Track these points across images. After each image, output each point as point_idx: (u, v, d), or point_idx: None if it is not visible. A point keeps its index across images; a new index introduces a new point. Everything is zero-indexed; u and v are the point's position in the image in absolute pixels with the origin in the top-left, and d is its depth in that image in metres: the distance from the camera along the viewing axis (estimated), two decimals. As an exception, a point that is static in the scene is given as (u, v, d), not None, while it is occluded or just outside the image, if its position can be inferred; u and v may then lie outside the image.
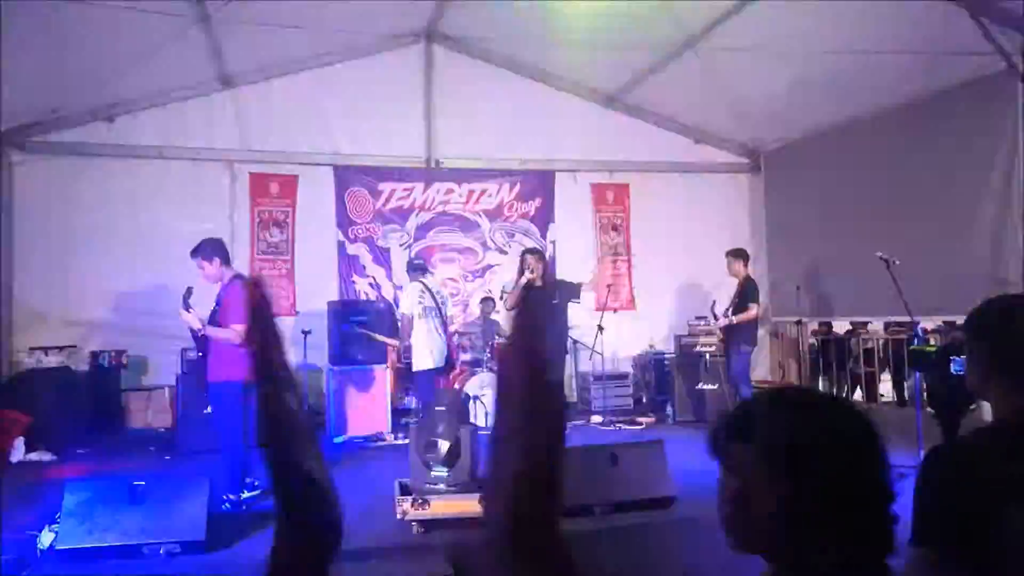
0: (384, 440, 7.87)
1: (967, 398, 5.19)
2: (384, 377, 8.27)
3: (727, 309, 8.07)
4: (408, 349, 7.72)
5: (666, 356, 9.70)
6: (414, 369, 7.46)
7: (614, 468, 5.13)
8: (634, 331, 10.18)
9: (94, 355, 8.29)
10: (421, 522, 4.64)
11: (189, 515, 4.42)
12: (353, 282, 9.64)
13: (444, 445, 4.70)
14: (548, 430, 0.89)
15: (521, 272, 6.65)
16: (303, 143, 9.46)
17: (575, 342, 9.32)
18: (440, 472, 4.71)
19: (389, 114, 9.69)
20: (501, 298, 8.80)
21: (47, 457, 7.09)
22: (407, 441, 7.47)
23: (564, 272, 9.47)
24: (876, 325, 10.93)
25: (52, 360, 7.94)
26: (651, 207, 10.51)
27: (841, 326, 11.37)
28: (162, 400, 8.46)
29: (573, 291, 6.81)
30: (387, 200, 9.84)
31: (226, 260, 5.50)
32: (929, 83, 7.76)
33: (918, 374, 6.21)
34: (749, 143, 10.68)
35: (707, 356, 8.66)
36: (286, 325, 9.05)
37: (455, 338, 8.87)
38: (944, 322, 8.62)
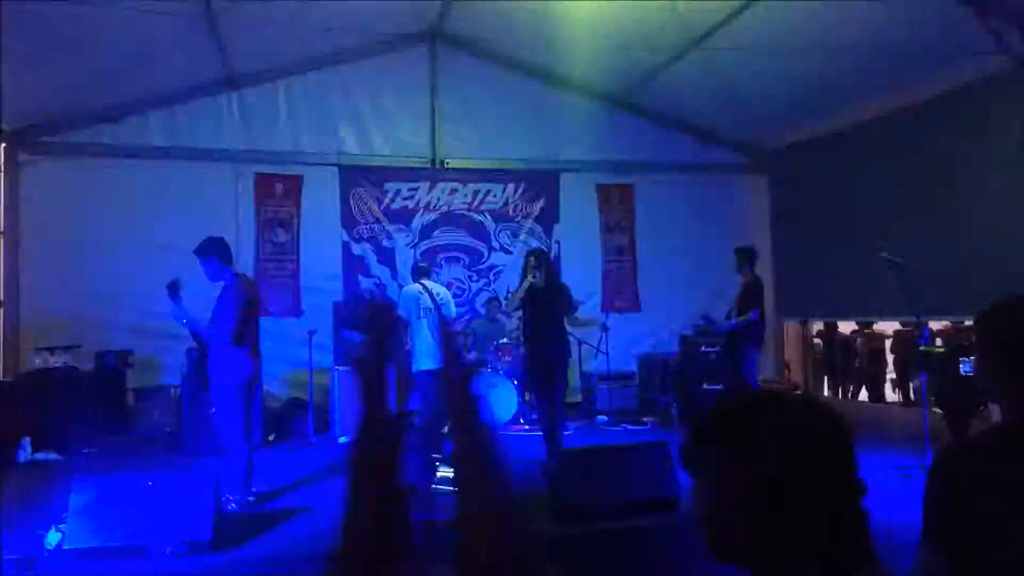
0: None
1: (976, 399, 5.18)
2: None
3: (730, 311, 8.05)
4: (409, 351, 7.72)
5: (671, 356, 9.69)
6: (413, 369, 7.46)
7: (618, 469, 5.12)
8: (639, 331, 10.17)
9: (100, 355, 8.30)
10: (427, 523, 4.63)
11: (195, 515, 4.42)
12: (358, 283, 9.65)
13: (449, 445, 4.69)
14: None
15: (525, 273, 6.63)
16: (308, 144, 9.48)
17: (580, 342, 9.31)
18: (446, 473, 4.71)
19: (394, 114, 9.71)
20: (506, 297, 8.80)
21: (53, 457, 7.09)
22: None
23: (569, 274, 9.47)
24: (881, 326, 10.93)
25: (58, 360, 7.95)
26: (656, 207, 10.50)
27: (846, 327, 11.37)
28: (168, 400, 8.46)
29: (571, 305, 6.80)
30: (392, 200, 9.84)
31: (224, 260, 5.47)
32: (935, 83, 7.75)
33: (924, 375, 6.19)
34: (754, 143, 10.67)
35: (712, 356, 8.63)
36: (291, 326, 9.10)
37: (459, 338, 8.86)
38: (951, 323, 8.61)
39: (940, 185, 7.88)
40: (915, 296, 6.06)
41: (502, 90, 9.85)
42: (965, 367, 5.12)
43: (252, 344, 5.38)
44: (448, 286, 9.65)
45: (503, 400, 8.32)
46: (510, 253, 10.05)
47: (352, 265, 9.65)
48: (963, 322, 8.28)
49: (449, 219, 10.03)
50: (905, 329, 10.23)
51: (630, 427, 8.66)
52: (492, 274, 10.11)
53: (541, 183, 10.27)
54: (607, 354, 9.16)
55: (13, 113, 8.20)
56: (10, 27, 6.35)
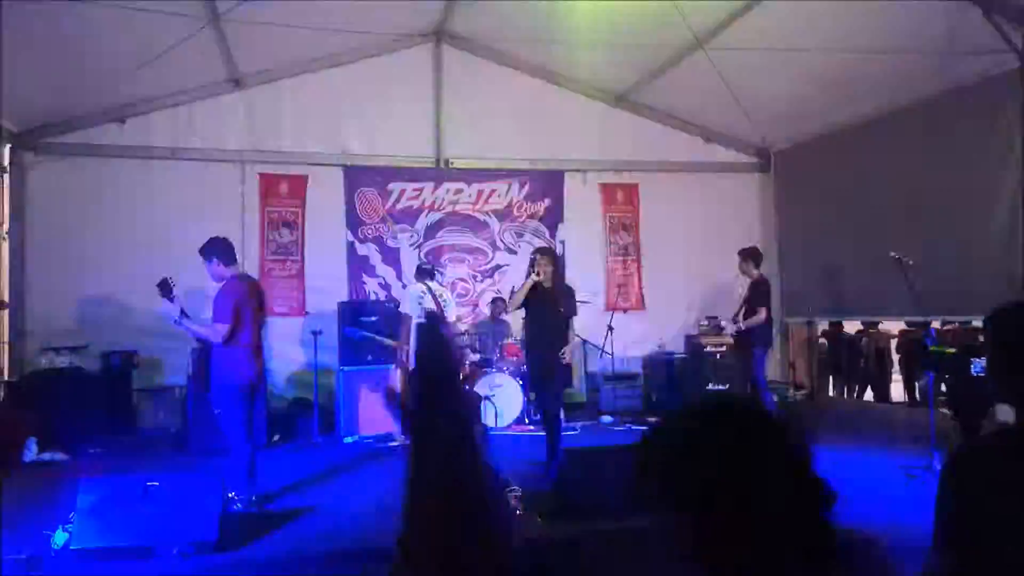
0: (396, 440, 7.88)
1: (988, 399, 5.16)
2: (395, 377, 8.27)
3: (736, 313, 8.03)
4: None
5: (676, 356, 9.68)
6: (411, 367, 7.46)
7: (623, 469, 5.11)
8: (644, 331, 10.16)
9: (105, 355, 8.32)
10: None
11: (201, 515, 4.43)
12: (363, 283, 9.65)
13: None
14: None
15: (531, 271, 6.57)
16: (313, 144, 9.49)
17: (585, 342, 9.31)
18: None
19: (398, 114, 9.70)
20: (511, 297, 8.79)
21: (59, 457, 7.12)
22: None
23: (574, 274, 9.48)
24: (887, 325, 10.90)
25: (64, 360, 7.98)
26: (661, 207, 10.48)
27: (851, 326, 11.34)
28: (173, 400, 8.48)
29: (573, 308, 6.75)
30: (397, 200, 9.85)
31: (225, 260, 5.43)
32: (942, 82, 7.72)
33: (931, 375, 6.18)
34: (759, 142, 10.65)
35: (717, 356, 8.63)
36: (295, 325, 9.11)
37: (463, 339, 8.86)
38: (959, 323, 8.58)
39: (945, 184, 7.85)
40: (921, 296, 6.05)
41: (506, 90, 9.85)
42: (976, 367, 5.09)
43: (253, 344, 5.37)
44: (452, 286, 9.67)
45: (508, 400, 8.32)
46: (515, 253, 10.05)
47: (357, 265, 9.66)
48: (971, 322, 8.25)
49: (454, 219, 10.03)
50: (911, 329, 10.21)
51: (635, 427, 8.65)
52: (497, 274, 10.10)
53: (546, 183, 10.26)
54: (612, 354, 9.15)
55: (18, 114, 8.23)
56: (15, 28, 6.37)
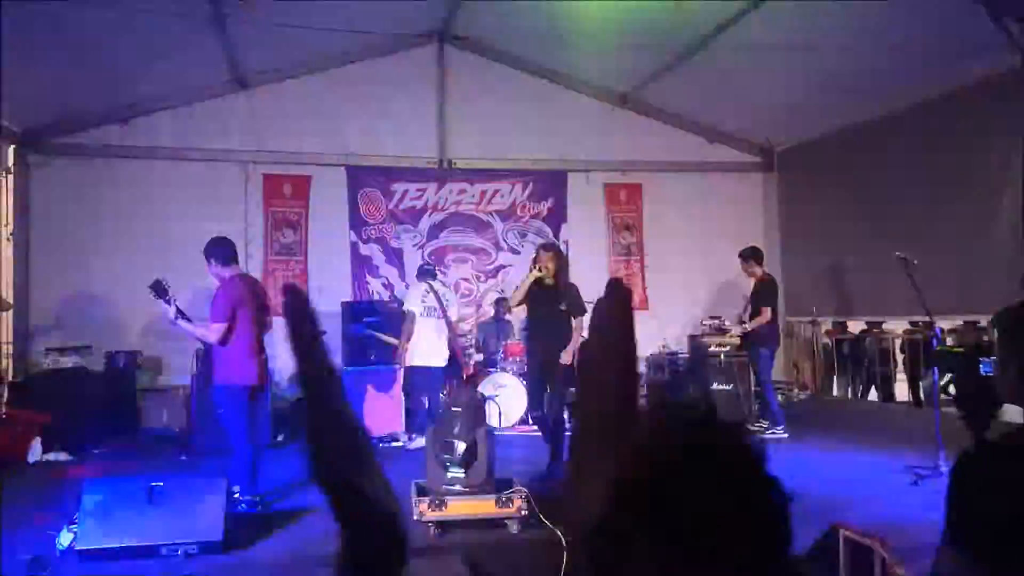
0: (399, 441, 7.87)
1: (996, 400, 5.13)
2: (399, 377, 8.26)
3: (742, 313, 8.01)
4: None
5: (680, 356, 9.66)
6: (410, 364, 7.45)
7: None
8: (647, 331, 10.11)
9: (109, 355, 8.33)
10: (438, 523, 4.63)
11: (207, 516, 4.41)
12: (367, 283, 9.66)
13: (461, 446, 4.68)
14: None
15: (532, 266, 6.44)
16: (316, 144, 9.49)
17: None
18: (457, 473, 4.69)
19: (402, 115, 9.71)
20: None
21: (63, 457, 7.12)
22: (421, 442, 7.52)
23: (577, 274, 9.44)
24: (891, 325, 10.87)
25: (68, 361, 7.98)
26: (664, 207, 10.48)
27: (856, 326, 11.30)
28: (177, 400, 8.47)
29: (581, 307, 6.58)
30: (400, 200, 9.85)
31: (223, 260, 5.42)
32: (946, 82, 7.71)
33: (936, 375, 6.15)
34: (763, 142, 10.64)
35: (721, 356, 8.60)
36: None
37: (466, 339, 8.86)
38: (964, 322, 8.56)
39: (950, 183, 7.84)
40: (926, 295, 6.02)
41: (509, 90, 9.85)
42: (985, 367, 5.07)
43: (251, 345, 5.37)
44: (456, 286, 9.67)
45: (511, 401, 8.31)
46: (518, 253, 10.04)
47: (360, 265, 9.66)
48: (979, 322, 8.23)
49: (457, 219, 10.04)
50: (915, 329, 10.18)
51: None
52: (500, 274, 10.10)
53: (549, 183, 10.26)
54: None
55: (22, 114, 8.24)
56: (19, 29, 6.38)
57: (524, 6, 8.27)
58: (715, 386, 8.54)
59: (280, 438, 8.02)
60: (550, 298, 6.31)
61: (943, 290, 6.95)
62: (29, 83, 7.37)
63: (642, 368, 9.92)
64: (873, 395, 10.87)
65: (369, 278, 9.69)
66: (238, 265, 5.61)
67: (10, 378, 8.16)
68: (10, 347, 8.40)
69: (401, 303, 8.12)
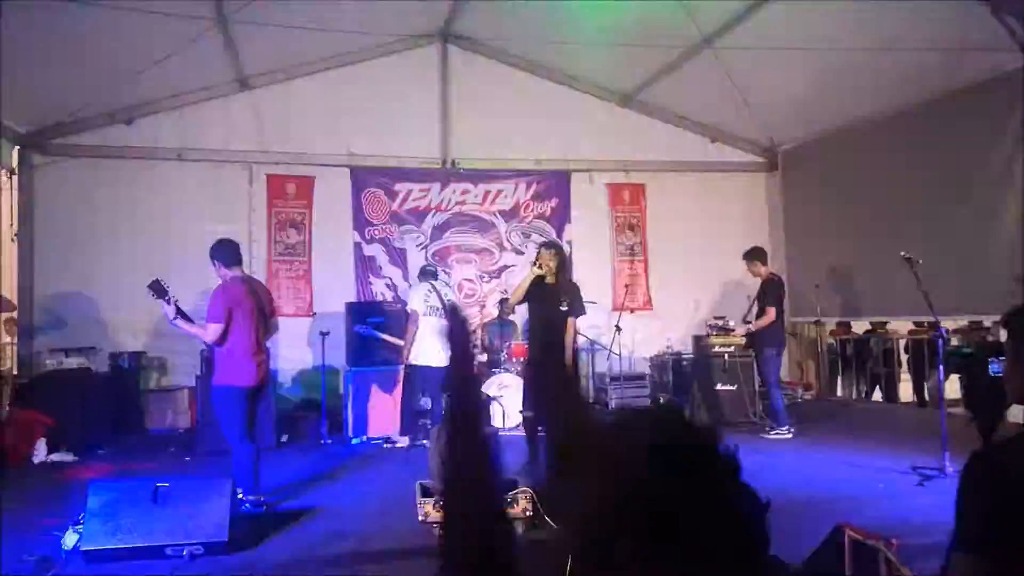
0: (396, 443, 7.86)
1: (1005, 400, 5.11)
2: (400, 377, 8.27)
3: (747, 312, 8.00)
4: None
5: (684, 356, 9.65)
6: (412, 362, 7.46)
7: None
8: (651, 331, 10.14)
9: (114, 356, 8.35)
10: (442, 524, 4.63)
11: (212, 516, 4.42)
12: (370, 283, 9.66)
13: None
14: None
15: (534, 264, 6.42)
16: (320, 144, 9.49)
17: (592, 342, 9.28)
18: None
19: (405, 115, 9.71)
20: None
21: (68, 458, 7.14)
22: (421, 443, 7.53)
23: (581, 274, 9.46)
24: (895, 325, 10.85)
25: (72, 362, 8.00)
26: (668, 207, 10.47)
27: (860, 326, 11.28)
28: (182, 401, 8.50)
29: (580, 307, 6.56)
30: (403, 201, 9.85)
31: (225, 262, 5.48)
32: (949, 81, 7.69)
33: (941, 375, 6.13)
34: (766, 142, 10.63)
35: (725, 356, 8.60)
36: (303, 326, 9.11)
37: (473, 337, 8.85)
38: (969, 322, 8.54)
39: (953, 182, 7.83)
40: (930, 295, 6.01)
41: (512, 90, 9.85)
42: (994, 368, 5.05)
43: (249, 345, 5.39)
44: (459, 287, 9.68)
45: (515, 401, 8.30)
46: (522, 253, 10.04)
47: (364, 266, 9.67)
48: (982, 322, 8.21)
49: (460, 219, 10.04)
50: (920, 329, 10.15)
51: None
52: (504, 274, 10.09)
53: (552, 183, 10.26)
54: (619, 354, 9.14)
55: (27, 115, 8.26)
56: (23, 29, 6.39)
57: (527, 6, 8.27)
58: (719, 386, 8.55)
59: (284, 439, 8.03)
60: (551, 297, 6.29)
61: (946, 290, 6.93)
62: (33, 84, 7.39)
63: (646, 369, 9.92)
64: (877, 395, 10.85)
65: (372, 278, 9.69)
66: (241, 267, 5.63)
67: (15, 379, 8.18)
68: (14, 348, 8.42)
69: (405, 303, 8.13)
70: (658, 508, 0.90)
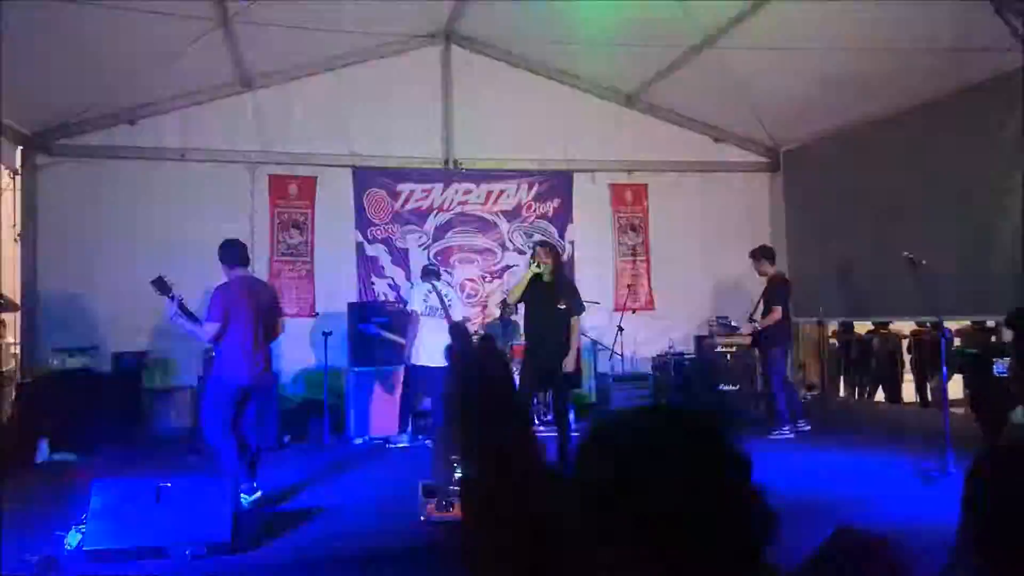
0: (396, 443, 7.86)
1: (1010, 401, 5.11)
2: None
3: (752, 311, 7.99)
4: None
5: (686, 356, 9.64)
6: (411, 362, 7.47)
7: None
8: (653, 331, 10.12)
9: (117, 356, 8.35)
10: (445, 524, 4.63)
11: (214, 516, 4.43)
12: (372, 283, 9.66)
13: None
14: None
15: (530, 264, 6.44)
16: (322, 145, 9.49)
17: (594, 343, 9.27)
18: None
19: (408, 115, 9.70)
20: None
21: (71, 458, 7.15)
22: (424, 441, 7.54)
23: (583, 274, 9.48)
24: (898, 325, 10.84)
25: (75, 361, 8.00)
26: (670, 207, 10.46)
27: (862, 326, 11.28)
28: (184, 401, 8.50)
29: (579, 305, 6.55)
30: (406, 201, 9.85)
31: (228, 262, 5.60)
32: (953, 80, 7.68)
33: (945, 375, 6.13)
34: (768, 142, 10.61)
35: (728, 356, 8.59)
36: (305, 326, 9.11)
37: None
38: (972, 323, 8.53)
39: (956, 183, 7.81)
40: (933, 295, 6.01)
41: (515, 90, 9.84)
42: (998, 368, 5.05)
43: (245, 345, 5.44)
44: (462, 287, 9.67)
45: (518, 401, 8.30)
46: (524, 253, 10.02)
47: (366, 266, 9.67)
48: (985, 322, 8.20)
49: (463, 220, 10.03)
50: (922, 329, 10.15)
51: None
52: (506, 275, 10.09)
53: (554, 183, 10.25)
54: (621, 355, 9.13)
55: (29, 116, 8.27)
56: (25, 30, 6.40)
57: (530, 6, 8.27)
58: (722, 387, 8.55)
59: (287, 439, 8.04)
60: (548, 296, 6.31)
61: (950, 291, 6.92)
62: (36, 84, 7.39)
63: (648, 369, 9.90)
64: (880, 395, 10.85)
65: (375, 279, 9.69)
66: (244, 267, 5.68)
67: (17, 379, 8.19)
68: (17, 348, 8.43)
69: (407, 303, 8.13)
70: (657, 508, 0.90)
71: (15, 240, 8.43)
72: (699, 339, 9.49)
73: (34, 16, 6.37)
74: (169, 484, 4.50)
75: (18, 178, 8.48)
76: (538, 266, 6.27)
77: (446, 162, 9.93)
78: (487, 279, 10.11)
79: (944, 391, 6.09)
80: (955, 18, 6.74)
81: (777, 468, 5.99)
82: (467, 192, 10.04)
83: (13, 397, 7.74)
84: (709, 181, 10.56)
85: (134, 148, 8.93)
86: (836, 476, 5.99)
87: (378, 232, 9.74)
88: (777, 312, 7.75)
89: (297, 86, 9.38)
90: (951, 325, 8.62)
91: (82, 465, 6.90)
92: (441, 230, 9.96)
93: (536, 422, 8.50)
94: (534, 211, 10.22)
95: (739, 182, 10.75)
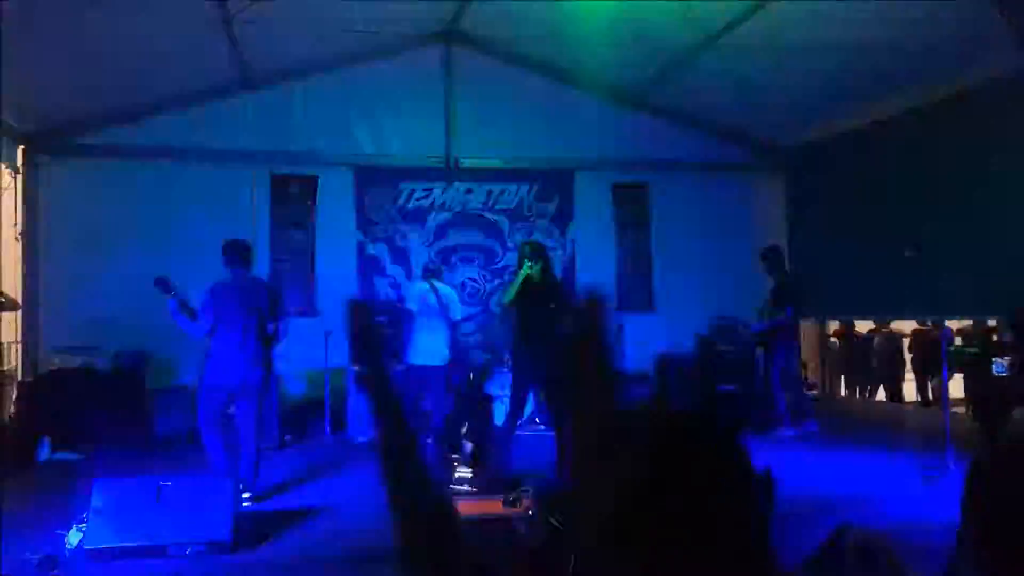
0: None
1: (1010, 400, 5.10)
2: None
3: (762, 310, 7.99)
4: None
5: (688, 356, 9.62)
6: (410, 362, 7.47)
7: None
8: (655, 331, 10.11)
9: (118, 355, 8.35)
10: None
11: (214, 515, 4.44)
12: (373, 283, 9.66)
13: (469, 446, 4.69)
14: None
15: (520, 265, 6.44)
16: (323, 144, 9.49)
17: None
18: (464, 473, 4.70)
19: (409, 115, 9.71)
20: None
21: (72, 457, 7.15)
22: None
23: (584, 273, 9.47)
24: (899, 325, 10.84)
25: (77, 360, 8.01)
26: (671, 206, 10.45)
27: (863, 326, 11.28)
28: (185, 400, 8.48)
29: (569, 310, 6.54)
30: (407, 200, 9.85)
31: (226, 262, 5.68)
32: (957, 80, 7.67)
33: (945, 375, 6.13)
34: (771, 142, 10.61)
35: (730, 356, 8.58)
36: (306, 326, 9.11)
37: (471, 339, 8.86)
38: (974, 322, 8.53)
39: (957, 183, 7.80)
40: (934, 295, 6.01)
41: (517, 89, 9.83)
42: (998, 368, 5.05)
43: (235, 346, 5.50)
44: (462, 286, 9.66)
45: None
46: (524, 253, 10.02)
47: (367, 265, 9.67)
48: (986, 322, 8.19)
49: (464, 219, 10.03)
50: (923, 328, 10.14)
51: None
52: (506, 274, 10.08)
53: (556, 182, 10.25)
54: (622, 354, 9.12)
55: (31, 115, 8.27)
56: (27, 30, 6.40)
57: (531, 6, 8.26)
58: (723, 387, 8.54)
59: (288, 438, 8.04)
60: (539, 296, 6.31)
61: (952, 290, 6.92)
62: (37, 84, 7.40)
63: (649, 369, 9.89)
64: (881, 395, 10.85)
65: (376, 278, 9.69)
66: (244, 267, 5.71)
67: (19, 377, 8.20)
68: (19, 346, 8.44)
69: (405, 301, 8.14)
70: (667, 510, 0.90)
71: (16, 239, 8.44)
72: (700, 338, 9.48)
73: (35, 16, 6.37)
74: (170, 483, 4.51)
75: (19, 177, 8.49)
76: (529, 267, 6.27)
77: (447, 161, 9.93)
78: (487, 278, 10.11)
79: (945, 391, 6.09)
80: (961, 17, 6.73)
81: (777, 468, 5.98)
82: (468, 192, 10.04)
83: (14, 396, 7.75)
84: (711, 181, 10.55)
85: (135, 148, 8.93)
86: (837, 475, 5.99)
87: (379, 231, 9.75)
88: (787, 312, 7.75)
89: (298, 86, 9.39)
90: (953, 325, 8.61)
91: (83, 464, 6.90)
92: (442, 229, 9.96)
93: (537, 421, 8.51)
94: (535, 211, 10.22)
95: (742, 182, 10.74)
